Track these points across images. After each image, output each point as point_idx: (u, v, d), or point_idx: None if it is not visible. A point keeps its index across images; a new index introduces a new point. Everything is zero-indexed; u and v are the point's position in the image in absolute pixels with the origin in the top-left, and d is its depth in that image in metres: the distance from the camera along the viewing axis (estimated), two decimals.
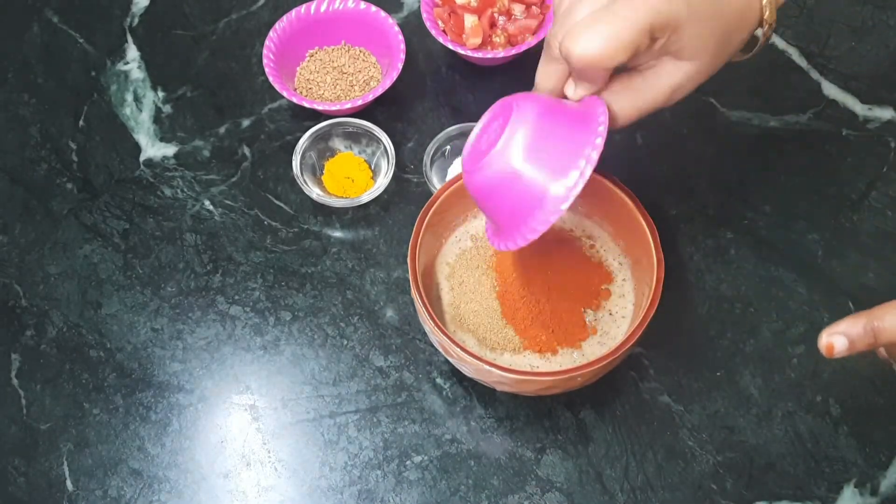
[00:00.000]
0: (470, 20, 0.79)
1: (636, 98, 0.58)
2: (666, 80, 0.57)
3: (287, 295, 0.74)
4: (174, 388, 0.71)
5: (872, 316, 0.51)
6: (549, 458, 0.67)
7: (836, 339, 0.50)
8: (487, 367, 0.60)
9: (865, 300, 0.72)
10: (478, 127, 0.60)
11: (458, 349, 0.61)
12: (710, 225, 0.76)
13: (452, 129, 0.77)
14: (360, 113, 0.80)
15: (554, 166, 0.55)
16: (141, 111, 0.83)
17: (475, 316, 0.68)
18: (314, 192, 0.76)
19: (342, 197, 0.76)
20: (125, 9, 0.88)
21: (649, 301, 0.62)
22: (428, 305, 0.63)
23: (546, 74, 0.59)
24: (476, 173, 0.57)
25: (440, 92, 0.83)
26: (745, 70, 0.83)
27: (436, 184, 0.76)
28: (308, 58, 0.83)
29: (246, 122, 0.82)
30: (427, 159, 0.76)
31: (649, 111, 0.58)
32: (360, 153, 0.79)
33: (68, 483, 0.68)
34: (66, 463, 0.68)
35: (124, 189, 0.79)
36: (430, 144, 0.76)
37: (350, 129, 0.78)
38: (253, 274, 0.75)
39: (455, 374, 0.70)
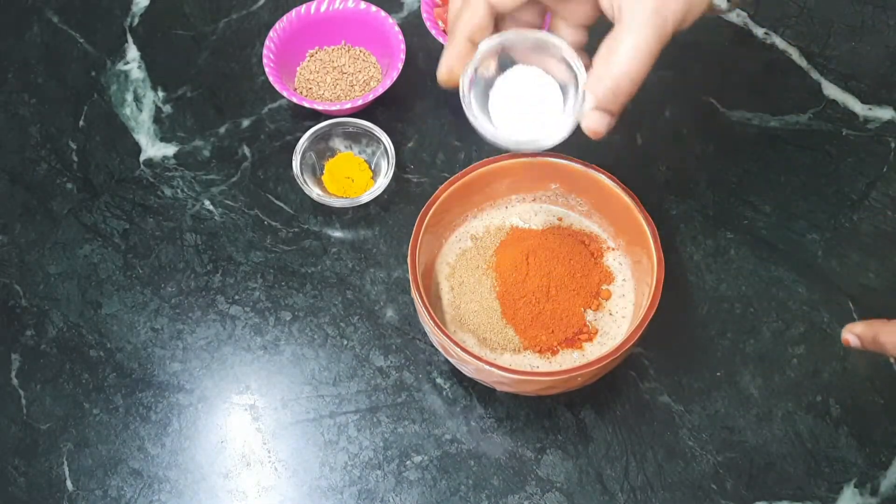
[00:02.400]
0: None
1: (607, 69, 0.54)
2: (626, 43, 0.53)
3: (287, 295, 0.74)
4: (174, 388, 0.71)
5: (883, 330, 0.57)
6: (549, 458, 0.67)
7: (851, 337, 0.59)
8: (487, 367, 0.60)
9: (865, 300, 0.72)
10: None
11: (459, 349, 0.61)
12: (710, 225, 0.76)
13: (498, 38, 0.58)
14: (360, 113, 0.80)
15: None
16: (141, 111, 0.83)
17: (475, 316, 0.68)
18: (314, 192, 0.76)
19: (342, 197, 0.76)
20: (125, 9, 0.88)
21: (649, 301, 0.63)
22: (428, 305, 0.63)
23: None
24: None
25: (440, 92, 0.82)
26: (745, 70, 0.83)
27: (482, 122, 0.60)
28: (308, 58, 0.83)
29: (246, 122, 0.82)
30: (465, 84, 0.59)
31: (627, 81, 0.53)
32: (360, 153, 0.79)
33: (68, 483, 0.68)
34: (66, 463, 0.68)
35: (124, 189, 0.79)
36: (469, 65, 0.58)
37: (350, 129, 0.78)
38: (253, 274, 0.75)
39: (455, 374, 0.70)
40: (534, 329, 0.67)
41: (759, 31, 0.85)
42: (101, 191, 0.79)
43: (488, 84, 0.60)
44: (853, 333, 0.59)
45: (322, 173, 0.78)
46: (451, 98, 0.82)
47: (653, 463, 0.67)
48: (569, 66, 0.57)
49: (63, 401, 0.70)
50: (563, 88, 0.59)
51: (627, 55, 0.53)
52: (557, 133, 0.59)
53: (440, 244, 0.71)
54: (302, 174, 0.76)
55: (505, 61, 0.59)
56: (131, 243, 0.76)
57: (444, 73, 0.59)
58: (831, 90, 0.82)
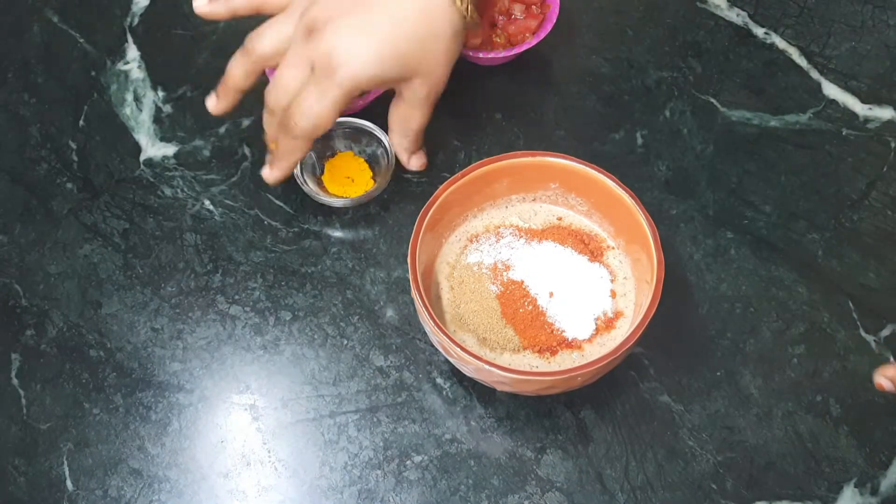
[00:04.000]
0: None
1: (403, 127, 0.72)
2: (410, 102, 0.70)
3: (287, 295, 0.74)
4: (174, 388, 0.71)
5: None
6: (549, 457, 0.67)
7: (885, 381, 0.59)
8: (487, 366, 0.60)
9: (866, 300, 0.72)
10: None
11: (458, 349, 0.61)
12: (710, 225, 0.76)
13: None
14: (361, 112, 0.80)
15: None
16: (141, 111, 0.83)
17: (475, 316, 0.68)
18: (314, 191, 0.76)
19: (342, 197, 0.76)
20: (125, 8, 0.88)
21: (649, 301, 0.62)
22: (428, 305, 0.63)
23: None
24: None
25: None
26: (745, 69, 0.83)
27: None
28: None
29: (246, 122, 0.82)
30: None
31: (418, 130, 0.72)
32: (360, 153, 0.79)
33: (68, 483, 0.68)
34: (66, 463, 0.68)
35: (124, 189, 0.79)
36: None
37: (350, 129, 0.78)
38: (253, 274, 0.75)
39: (455, 374, 0.70)
40: (533, 329, 0.67)
41: (759, 31, 0.85)
42: (101, 190, 0.79)
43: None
44: (886, 377, 0.58)
45: (322, 173, 0.78)
46: (450, 98, 0.82)
47: (653, 463, 0.67)
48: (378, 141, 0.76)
49: (63, 401, 0.70)
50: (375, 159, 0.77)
51: (418, 122, 0.72)
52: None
53: (440, 244, 0.71)
54: (302, 174, 0.76)
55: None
56: (131, 243, 0.76)
57: (275, 178, 0.73)
58: (831, 90, 0.82)
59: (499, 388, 0.65)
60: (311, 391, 0.70)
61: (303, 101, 0.66)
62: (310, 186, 0.76)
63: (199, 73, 0.84)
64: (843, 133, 0.80)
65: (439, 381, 0.70)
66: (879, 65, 0.83)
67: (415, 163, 0.75)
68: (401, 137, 0.73)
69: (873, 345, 0.71)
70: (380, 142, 0.77)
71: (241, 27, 0.87)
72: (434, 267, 0.70)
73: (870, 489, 0.66)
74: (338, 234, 0.76)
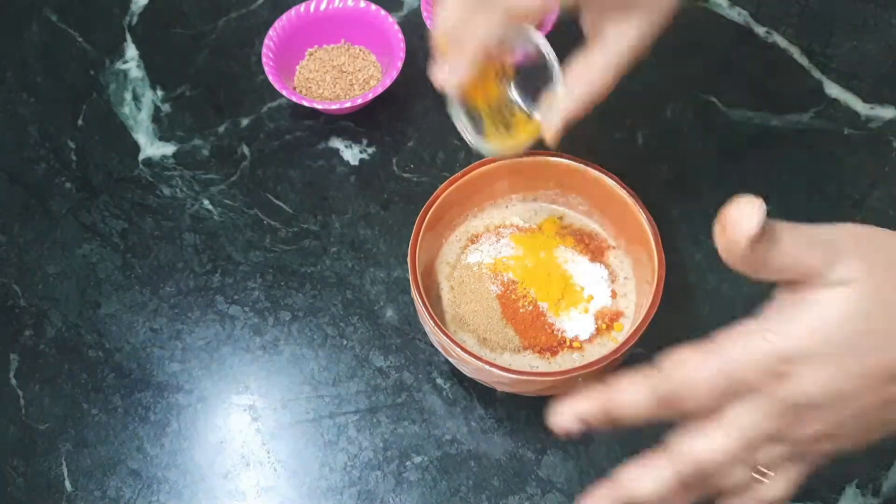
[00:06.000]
0: None
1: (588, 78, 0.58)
2: (622, 43, 0.56)
3: (286, 295, 0.74)
4: (173, 389, 0.70)
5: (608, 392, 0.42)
6: (549, 458, 0.67)
7: (569, 419, 0.43)
8: (487, 367, 0.60)
9: None
10: None
11: (458, 349, 0.61)
12: (712, 224, 0.75)
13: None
14: (360, 113, 0.80)
15: None
16: (140, 110, 0.82)
17: (475, 316, 0.67)
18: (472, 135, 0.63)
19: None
20: (124, 7, 0.88)
21: (650, 301, 0.62)
22: (428, 305, 0.62)
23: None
24: None
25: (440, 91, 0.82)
26: (746, 69, 0.83)
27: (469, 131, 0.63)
28: (307, 56, 0.83)
29: (245, 122, 0.81)
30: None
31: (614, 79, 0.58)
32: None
33: (67, 483, 0.67)
34: (64, 463, 0.68)
35: (123, 188, 0.79)
36: None
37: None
38: (252, 274, 0.75)
39: (455, 375, 0.70)
40: (534, 329, 0.66)
41: (761, 30, 0.85)
42: (100, 190, 0.79)
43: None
44: (569, 413, 0.42)
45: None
46: None
47: None
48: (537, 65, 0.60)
49: (62, 401, 0.70)
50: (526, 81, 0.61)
51: (604, 82, 0.57)
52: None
53: (440, 244, 0.71)
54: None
55: None
56: (130, 243, 0.76)
57: (452, 84, 0.59)
58: (833, 89, 0.81)
59: (499, 388, 0.65)
60: (310, 392, 0.70)
61: None
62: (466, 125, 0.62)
63: (198, 73, 0.84)
64: (845, 133, 0.80)
65: (439, 381, 0.70)
66: (881, 64, 0.83)
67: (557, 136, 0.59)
68: (578, 97, 0.58)
69: None
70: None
71: (239, 26, 0.87)
72: (434, 267, 0.70)
73: (871, 490, 0.66)
74: (337, 233, 0.76)
